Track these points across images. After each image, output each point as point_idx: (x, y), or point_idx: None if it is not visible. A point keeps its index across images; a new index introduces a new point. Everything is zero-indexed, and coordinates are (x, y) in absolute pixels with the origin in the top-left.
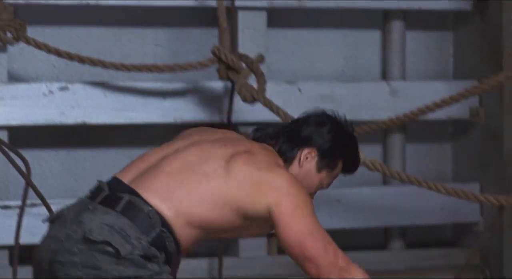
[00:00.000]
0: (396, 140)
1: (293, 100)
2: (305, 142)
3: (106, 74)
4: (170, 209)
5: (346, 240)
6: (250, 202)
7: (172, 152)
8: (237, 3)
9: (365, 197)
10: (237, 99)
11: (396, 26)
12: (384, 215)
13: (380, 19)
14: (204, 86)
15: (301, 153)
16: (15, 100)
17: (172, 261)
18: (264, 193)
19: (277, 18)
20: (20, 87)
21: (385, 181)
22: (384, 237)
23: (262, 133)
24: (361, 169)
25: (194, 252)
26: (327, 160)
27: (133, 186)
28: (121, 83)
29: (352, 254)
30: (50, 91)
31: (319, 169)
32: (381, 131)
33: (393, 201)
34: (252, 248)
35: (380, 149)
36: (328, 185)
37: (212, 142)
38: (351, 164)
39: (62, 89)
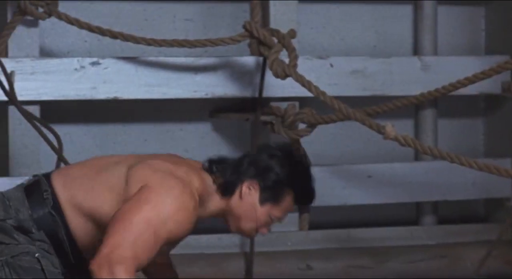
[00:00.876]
0: (427, 115)
1: (325, 75)
2: (248, 175)
3: (137, 49)
4: (66, 195)
5: (378, 216)
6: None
7: (111, 159)
8: None
9: (396, 172)
10: (269, 75)
11: (428, 1)
12: (415, 190)
13: None
14: (236, 62)
15: (242, 185)
16: (47, 75)
17: (63, 250)
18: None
19: None
20: (52, 63)
21: (417, 156)
22: (415, 213)
23: (211, 164)
24: (392, 144)
25: (226, 228)
26: (270, 192)
27: (56, 172)
28: (152, 58)
29: (383, 230)
30: (82, 67)
31: (262, 201)
32: (412, 107)
33: (424, 176)
34: (284, 223)
35: (412, 124)
36: (281, 218)
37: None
38: (302, 195)
39: (93, 64)
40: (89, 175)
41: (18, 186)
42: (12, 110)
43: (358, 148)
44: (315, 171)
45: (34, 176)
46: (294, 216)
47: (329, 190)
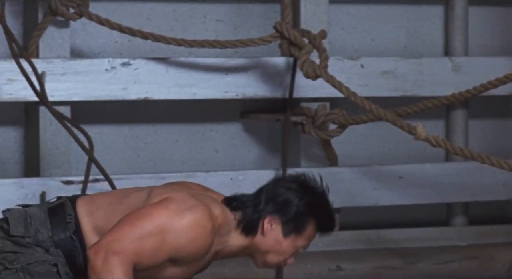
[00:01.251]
0: (458, 115)
1: (355, 76)
2: (267, 211)
3: (168, 50)
4: (89, 223)
5: (408, 216)
6: None
7: (135, 188)
8: None
9: (427, 173)
10: (299, 75)
11: (459, 1)
12: (446, 191)
13: None
14: (267, 62)
15: (263, 222)
16: (78, 76)
17: (80, 272)
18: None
19: None
20: (83, 63)
21: (448, 157)
22: (446, 213)
23: (231, 201)
24: (423, 145)
25: None
26: (292, 224)
27: (82, 198)
28: (183, 59)
29: (414, 231)
30: (113, 67)
31: (285, 234)
32: (443, 107)
33: (455, 177)
34: None
35: (443, 125)
36: (306, 247)
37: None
38: (324, 223)
39: (124, 65)
40: (113, 203)
41: (42, 205)
42: (43, 111)
43: (389, 148)
44: (345, 172)
45: (59, 197)
46: None
47: (360, 190)
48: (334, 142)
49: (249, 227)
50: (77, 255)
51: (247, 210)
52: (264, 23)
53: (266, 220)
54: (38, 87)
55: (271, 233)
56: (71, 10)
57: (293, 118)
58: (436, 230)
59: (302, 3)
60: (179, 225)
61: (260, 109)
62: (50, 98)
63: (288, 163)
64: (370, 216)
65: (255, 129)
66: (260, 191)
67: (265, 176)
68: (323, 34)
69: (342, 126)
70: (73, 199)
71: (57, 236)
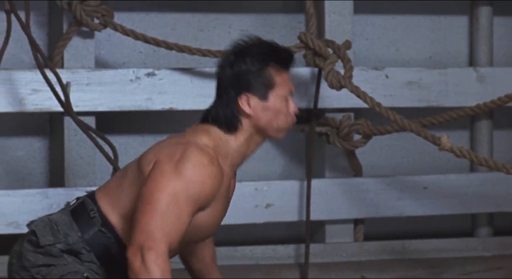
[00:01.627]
0: (483, 126)
1: (380, 86)
2: (233, 96)
3: (193, 60)
4: (110, 209)
5: (433, 227)
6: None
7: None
8: None
9: (452, 184)
10: (324, 86)
11: (484, 12)
12: (471, 201)
13: (467, 5)
14: (291, 73)
15: (239, 108)
16: (102, 86)
17: (117, 262)
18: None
19: (363, 4)
20: (107, 73)
21: (472, 168)
22: (471, 224)
23: (204, 116)
24: (448, 155)
25: (281, 239)
26: (260, 85)
27: (98, 189)
28: (207, 69)
29: (439, 241)
30: (137, 77)
31: (264, 96)
32: (468, 118)
33: (480, 188)
34: (339, 234)
35: (468, 136)
36: (290, 90)
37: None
38: (280, 58)
39: (149, 75)
40: (119, 182)
41: (63, 210)
42: (68, 121)
43: (414, 159)
44: (370, 182)
45: (77, 198)
46: (349, 227)
47: (384, 201)
48: (358, 152)
49: (233, 122)
50: (112, 246)
51: (220, 113)
52: (288, 33)
53: (240, 104)
54: (63, 97)
55: (254, 107)
56: (96, 21)
57: (318, 129)
58: (460, 240)
59: (327, 14)
60: (183, 181)
61: None
62: (75, 109)
63: (312, 173)
64: (395, 226)
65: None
66: (216, 91)
67: (289, 186)
68: (347, 45)
69: (367, 137)
70: (91, 195)
71: (87, 234)
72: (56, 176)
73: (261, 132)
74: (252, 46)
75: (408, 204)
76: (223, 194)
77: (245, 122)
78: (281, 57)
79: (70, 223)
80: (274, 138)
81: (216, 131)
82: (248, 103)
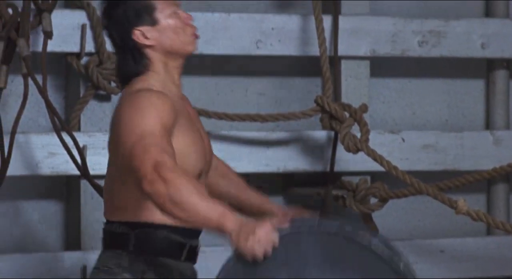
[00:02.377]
0: (500, 189)
1: (396, 149)
2: (128, 38)
3: (210, 123)
4: (114, 211)
5: None
6: None
7: None
8: (340, 53)
9: (469, 247)
10: (340, 149)
11: (500, 75)
12: (488, 265)
13: (483, 69)
14: (308, 136)
15: (138, 44)
16: None
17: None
18: None
19: (380, 67)
20: None
21: (489, 231)
22: None
23: (123, 79)
24: (464, 219)
25: None
26: (143, 13)
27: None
28: (224, 132)
29: None
30: None
31: (153, 22)
32: (484, 181)
33: (497, 251)
34: None
35: (484, 199)
36: (175, 5)
37: None
38: None
39: None
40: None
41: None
42: (84, 184)
43: (430, 222)
44: None
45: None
46: None
47: None
48: (375, 215)
49: (143, 62)
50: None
51: (130, 63)
52: (305, 96)
53: (139, 40)
54: (79, 161)
55: (151, 36)
56: (113, 84)
57: (334, 192)
58: None
59: (343, 77)
60: (143, 114)
61: (301, 182)
62: (91, 172)
63: None
64: None
65: (296, 203)
66: (114, 49)
67: None
68: (364, 108)
69: (383, 200)
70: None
71: (126, 251)
72: (72, 240)
73: (172, 54)
74: None
75: (425, 267)
76: (185, 116)
77: (152, 54)
78: None
79: (109, 254)
80: (186, 53)
81: (138, 80)
82: (144, 36)
